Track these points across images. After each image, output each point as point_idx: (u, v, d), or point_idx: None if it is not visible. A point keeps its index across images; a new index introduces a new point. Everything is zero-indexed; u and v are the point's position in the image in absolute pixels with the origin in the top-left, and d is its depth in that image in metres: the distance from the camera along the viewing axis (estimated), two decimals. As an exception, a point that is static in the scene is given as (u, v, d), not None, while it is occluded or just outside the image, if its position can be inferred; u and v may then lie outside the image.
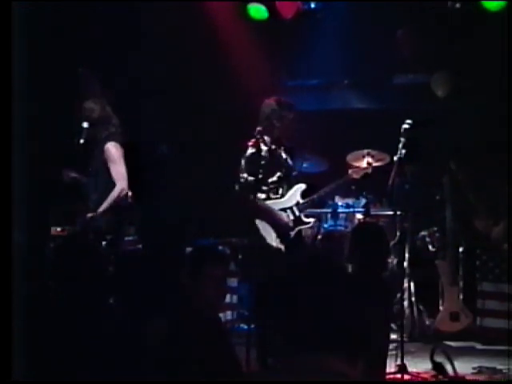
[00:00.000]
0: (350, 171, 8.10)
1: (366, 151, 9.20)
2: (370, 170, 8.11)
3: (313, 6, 10.58)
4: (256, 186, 7.50)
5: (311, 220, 7.83)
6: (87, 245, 4.83)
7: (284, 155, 7.67)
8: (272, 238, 7.51)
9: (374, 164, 9.15)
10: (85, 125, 7.62)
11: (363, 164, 9.28)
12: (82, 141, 7.61)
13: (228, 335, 5.44)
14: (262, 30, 10.54)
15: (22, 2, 4.06)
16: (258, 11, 10.58)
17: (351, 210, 9.56)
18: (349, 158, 9.40)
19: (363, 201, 9.61)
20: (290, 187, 7.64)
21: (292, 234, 7.56)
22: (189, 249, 8.16)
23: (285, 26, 10.52)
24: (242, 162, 7.49)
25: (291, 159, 7.74)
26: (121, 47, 9.70)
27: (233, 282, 9.50)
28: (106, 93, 7.95)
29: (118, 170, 7.58)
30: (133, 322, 4.55)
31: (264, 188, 7.55)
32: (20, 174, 4.14)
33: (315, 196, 7.75)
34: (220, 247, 9.34)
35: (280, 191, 7.60)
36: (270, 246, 7.49)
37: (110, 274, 6.81)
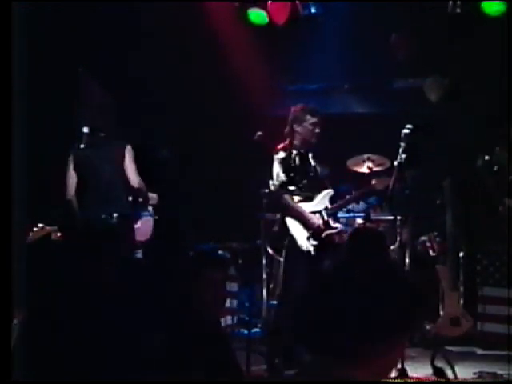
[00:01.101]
0: (373, 181, 8.03)
1: (366, 156, 9.21)
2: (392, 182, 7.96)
3: (313, 10, 10.58)
4: (289, 187, 7.66)
5: (338, 226, 7.84)
6: (86, 247, 4.83)
7: (312, 160, 7.83)
8: (303, 239, 7.61)
9: (375, 169, 9.16)
10: (85, 130, 7.62)
11: (363, 169, 9.30)
12: (82, 146, 7.61)
13: (228, 339, 5.42)
14: (262, 34, 10.55)
15: (21, 2, 4.06)
16: (258, 16, 10.60)
17: (351, 214, 9.55)
18: (349, 162, 9.41)
19: (364, 205, 9.61)
20: (317, 192, 7.73)
21: (323, 237, 7.67)
22: (189, 253, 8.16)
23: (285, 30, 10.52)
24: (276, 163, 7.68)
25: (319, 165, 7.86)
26: (121, 50, 9.71)
27: (233, 286, 9.51)
28: (106, 96, 7.94)
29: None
30: (133, 325, 4.55)
31: (295, 191, 7.68)
32: (20, 177, 4.14)
33: (342, 202, 7.83)
34: (220, 252, 9.35)
35: (309, 195, 7.71)
36: (300, 247, 7.62)
37: (110, 277, 6.80)
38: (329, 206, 7.77)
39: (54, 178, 7.96)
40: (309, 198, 7.77)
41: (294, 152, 7.75)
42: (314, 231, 7.65)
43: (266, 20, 10.55)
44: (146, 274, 7.78)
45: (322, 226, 7.69)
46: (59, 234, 7.87)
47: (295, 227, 7.68)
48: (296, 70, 10.97)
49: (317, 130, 7.77)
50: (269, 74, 10.62)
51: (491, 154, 8.51)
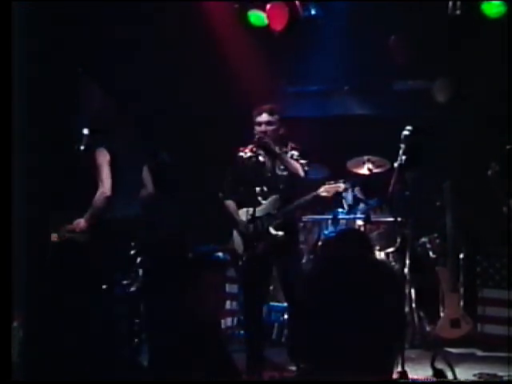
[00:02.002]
0: (321, 188, 7.72)
1: (366, 157, 9.24)
2: (341, 189, 7.87)
3: (313, 12, 10.58)
4: (236, 194, 7.61)
5: (280, 233, 7.46)
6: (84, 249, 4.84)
7: (271, 163, 7.63)
8: (238, 246, 7.54)
9: (375, 170, 9.19)
10: (85, 131, 7.61)
11: (363, 170, 9.31)
12: (82, 147, 7.61)
13: (226, 341, 5.43)
14: (262, 36, 10.54)
15: (21, 2, 4.07)
16: (258, 18, 10.59)
17: (351, 216, 9.55)
18: (349, 164, 9.44)
19: (364, 207, 9.62)
20: (268, 197, 7.56)
21: (257, 245, 7.49)
22: (189, 255, 8.18)
23: (285, 32, 10.52)
24: (228, 169, 7.72)
25: (281, 167, 7.60)
26: (120, 51, 9.69)
27: (233, 288, 9.50)
28: (106, 99, 7.95)
29: (101, 175, 7.63)
30: (133, 326, 4.57)
31: (248, 197, 7.58)
32: (20, 179, 4.14)
33: (285, 210, 7.57)
34: (220, 253, 9.34)
35: (261, 201, 7.55)
36: (237, 254, 7.60)
37: (109, 278, 6.82)
38: (272, 213, 7.51)
39: (54, 178, 7.96)
40: (258, 203, 7.54)
41: (249, 156, 7.64)
42: (244, 239, 7.55)
43: (266, 22, 10.55)
44: (147, 276, 7.80)
45: (252, 235, 7.47)
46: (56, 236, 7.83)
47: (236, 235, 7.64)
48: (296, 72, 10.96)
49: (263, 128, 7.55)
50: (269, 75, 10.61)
51: (501, 160, 8.49)
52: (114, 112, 8.06)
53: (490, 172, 8.56)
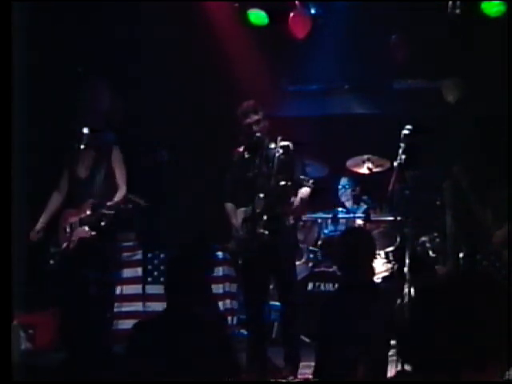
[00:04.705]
0: None
1: (366, 157, 9.26)
2: None
3: (313, 11, 10.56)
4: (235, 196, 7.57)
5: (265, 232, 7.25)
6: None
7: (257, 161, 7.49)
8: (236, 246, 7.52)
9: (374, 169, 9.20)
10: (85, 130, 7.62)
11: (363, 169, 9.32)
12: (82, 146, 7.62)
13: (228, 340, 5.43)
14: (262, 35, 10.53)
15: (21, 2, 4.06)
16: (258, 17, 10.55)
17: (351, 215, 9.56)
18: (349, 163, 9.45)
19: (364, 206, 9.63)
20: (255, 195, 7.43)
21: (251, 245, 7.38)
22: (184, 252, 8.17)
23: (285, 31, 10.50)
24: (227, 171, 7.68)
25: (269, 165, 7.39)
26: (120, 51, 9.70)
27: (233, 287, 9.50)
28: (112, 99, 7.98)
29: (123, 174, 7.71)
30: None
31: (241, 197, 7.53)
32: (20, 176, 4.15)
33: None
34: (219, 252, 9.35)
35: (251, 200, 7.42)
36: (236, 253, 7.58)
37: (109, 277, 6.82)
38: (257, 212, 7.29)
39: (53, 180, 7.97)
40: (250, 203, 7.40)
41: (241, 155, 7.57)
42: (241, 240, 7.47)
43: (266, 21, 10.51)
44: (147, 275, 7.79)
45: (246, 234, 7.38)
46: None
47: (233, 235, 7.60)
48: (296, 71, 10.95)
49: (256, 129, 7.40)
50: (269, 74, 10.60)
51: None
52: (116, 111, 8.07)
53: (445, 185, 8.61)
